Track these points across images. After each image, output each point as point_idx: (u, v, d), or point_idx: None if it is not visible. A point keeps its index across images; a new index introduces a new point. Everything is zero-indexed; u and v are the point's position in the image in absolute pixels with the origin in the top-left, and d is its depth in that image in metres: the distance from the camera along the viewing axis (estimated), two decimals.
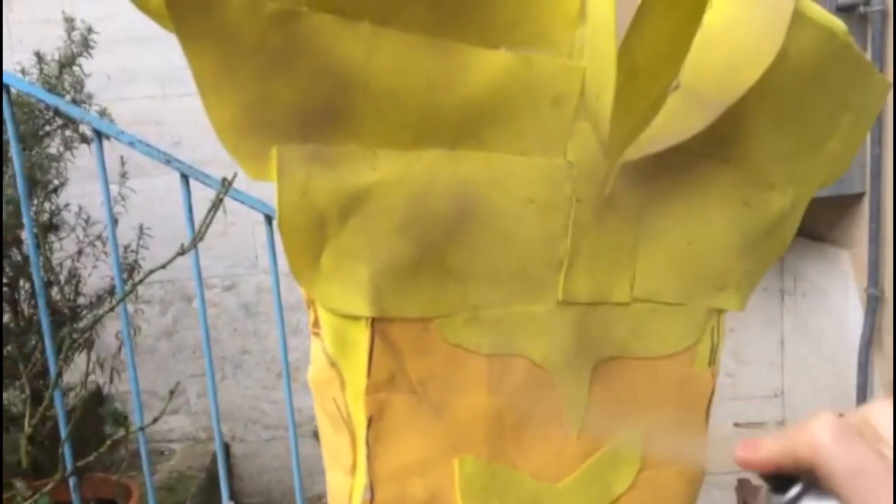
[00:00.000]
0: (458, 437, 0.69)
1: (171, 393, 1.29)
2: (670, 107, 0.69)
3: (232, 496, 2.87)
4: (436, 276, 0.66)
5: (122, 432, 1.29)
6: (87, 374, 1.33)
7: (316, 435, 0.86)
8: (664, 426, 0.80)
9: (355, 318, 0.65)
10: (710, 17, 0.68)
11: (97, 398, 2.47)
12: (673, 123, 0.69)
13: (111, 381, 2.02)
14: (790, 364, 2.75)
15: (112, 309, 1.18)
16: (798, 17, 0.69)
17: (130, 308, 2.43)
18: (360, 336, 0.65)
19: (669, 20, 0.80)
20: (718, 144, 0.74)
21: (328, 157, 0.62)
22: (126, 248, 2.03)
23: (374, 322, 0.64)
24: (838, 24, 0.74)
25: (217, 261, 2.84)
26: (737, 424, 2.89)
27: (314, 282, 0.64)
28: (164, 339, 2.83)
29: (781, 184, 0.80)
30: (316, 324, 0.69)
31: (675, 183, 0.75)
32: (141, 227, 2.01)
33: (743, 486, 2.56)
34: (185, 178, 1.39)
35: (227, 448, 2.94)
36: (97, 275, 2.13)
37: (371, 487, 0.68)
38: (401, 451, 0.68)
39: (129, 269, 1.97)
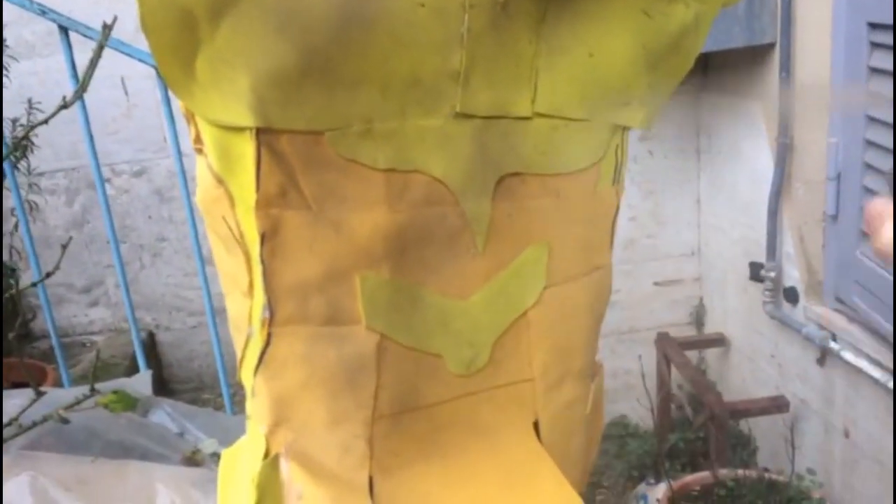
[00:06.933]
0: (358, 254, 0.67)
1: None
2: None
3: (163, 383, 2.86)
4: (323, 84, 0.62)
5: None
6: None
7: None
8: (569, 243, 0.80)
9: (239, 130, 0.61)
10: None
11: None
12: None
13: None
14: (706, 221, 2.84)
15: None
16: None
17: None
18: (246, 148, 0.61)
19: None
20: None
21: None
22: (14, 121, 1.89)
23: (259, 133, 0.61)
24: None
25: (123, 145, 2.71)
26: (656, 283, 2.99)
27: (191, 92, 0.60)
28: (75, 230, 2.72)
29: None
30: (198, 139, 0.65)
31: None
32: (30, 101, 1.87)
33: (662, 340, 2.68)
34: (63, 29, 1.28)
35: (152, 337, 2.90)
36: None
37: (270, 305, 0.66)
38: (299, 268, 0.66)
39: (21, 147, 1.84)
